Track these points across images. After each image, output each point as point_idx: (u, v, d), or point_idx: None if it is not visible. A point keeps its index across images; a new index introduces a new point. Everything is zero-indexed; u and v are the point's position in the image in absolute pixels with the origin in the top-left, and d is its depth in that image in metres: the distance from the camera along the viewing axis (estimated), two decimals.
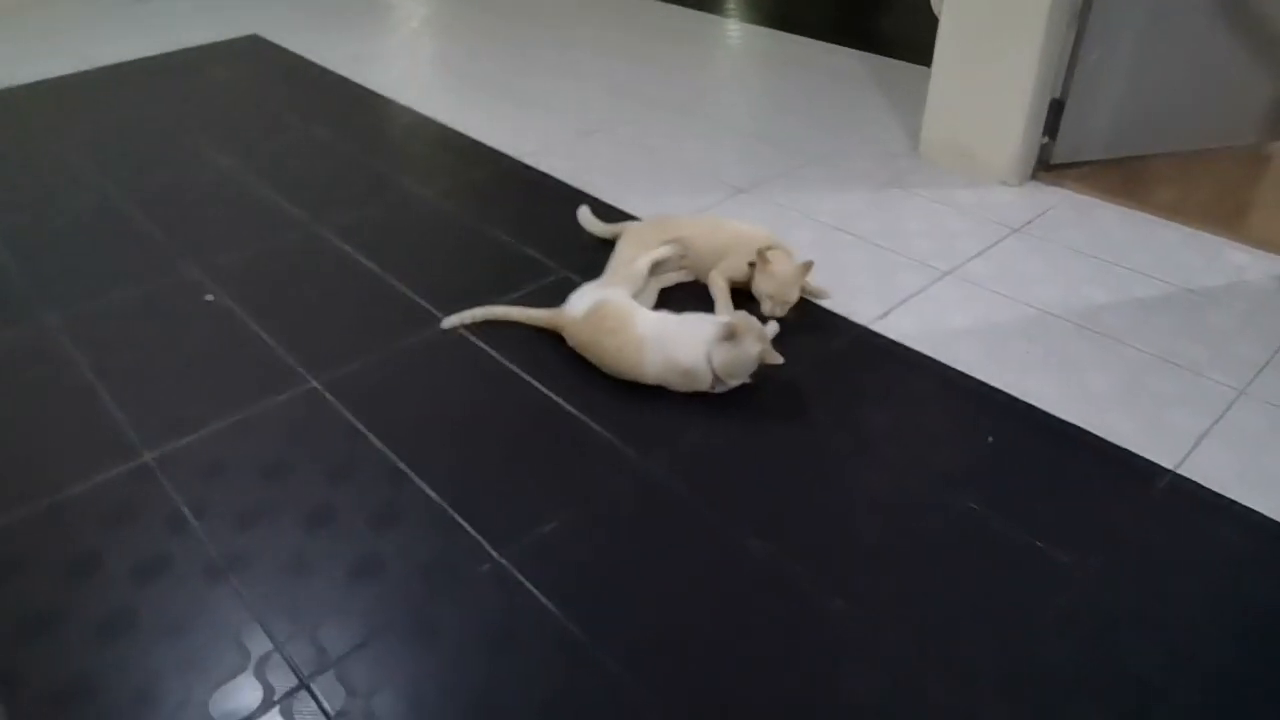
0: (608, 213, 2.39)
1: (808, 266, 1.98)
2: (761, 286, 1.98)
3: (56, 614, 1.39)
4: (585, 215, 2.33)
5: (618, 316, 1.82)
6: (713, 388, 1.77)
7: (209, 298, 2.15)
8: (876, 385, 1.87)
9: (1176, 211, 2.43)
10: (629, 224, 2.26)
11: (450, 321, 2.01)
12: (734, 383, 1.77)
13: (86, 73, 3.64)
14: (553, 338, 1.95)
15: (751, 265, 2.00)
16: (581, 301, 1.90)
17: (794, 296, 1.99)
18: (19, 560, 1.49)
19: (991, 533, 1.50)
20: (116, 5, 4.53)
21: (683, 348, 1.76)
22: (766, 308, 1.99)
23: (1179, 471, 1.61)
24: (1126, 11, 2.41)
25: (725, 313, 1.96)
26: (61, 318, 2.09)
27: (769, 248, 1.99)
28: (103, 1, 4.57)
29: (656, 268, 2.05)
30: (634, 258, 2.04)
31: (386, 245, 2.37)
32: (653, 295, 2.05)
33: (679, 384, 1.78)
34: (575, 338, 1.88)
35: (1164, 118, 2.65)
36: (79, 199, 2.64)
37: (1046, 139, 2.61)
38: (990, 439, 1.70)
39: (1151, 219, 2.42)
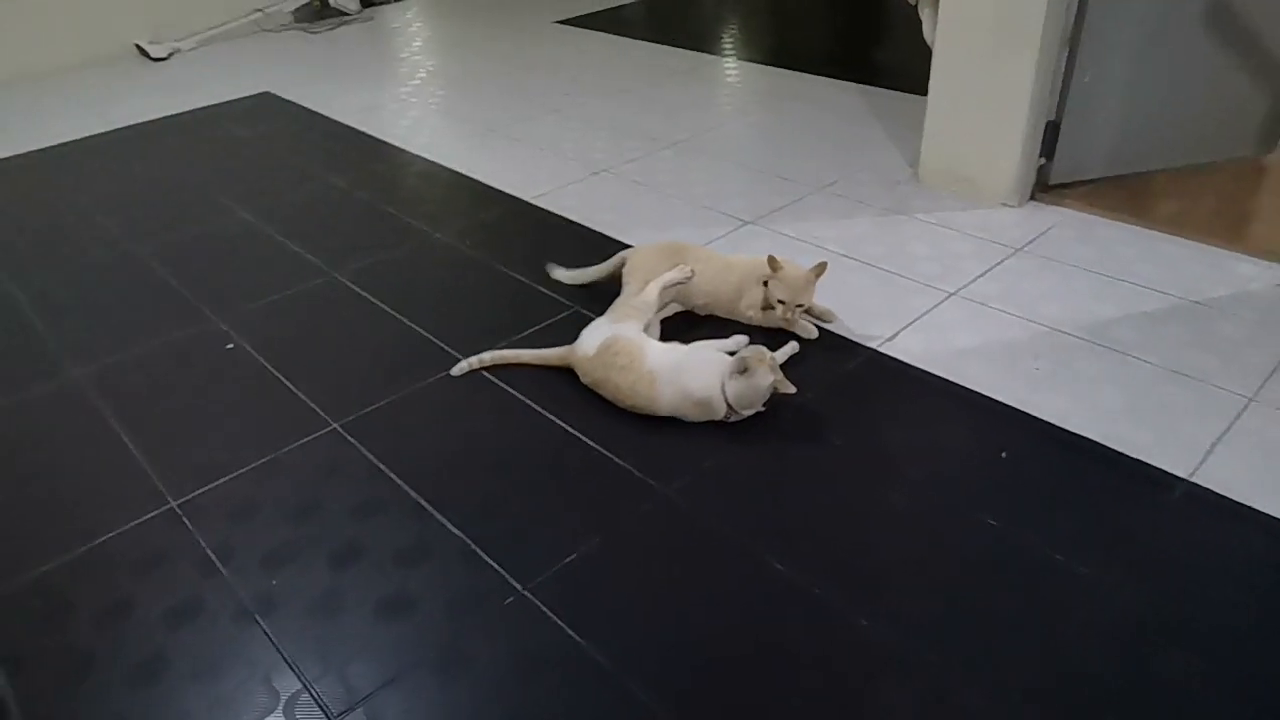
0: (616, 248, 2.43)
1: (821, 268, 2.01)
2: (774, 293, 2.01)
3: (93, 659, 1.42)
4: (559, 272, 2.32)
5: (628, 352, 1.86)
6: (727, 417, 1.80)
7: (229, 346, 2.20)
8: (889, 406, 1.89)
9: (1178, 225, 2.45)
10: (628, 252, 2.26)
11: (460, 368, 2.03)
12: (748, 413, 1.80)
13: (108, 133, 3.75)
14: (567, 373, 1.99)
15: (766, 284, 2.03)
16: (593, 338, 1.93)
17: (807, 299, 2.02)
18: (54, 608, 1.52)
19: (1011, 547, 1.51)
20: (135, 68, 4.68)
21: (695, 379, 1.80)
22: (780, 312, 2.01)
23: (1193, 480, 1.62)
24: (1118, 31, 2.46)
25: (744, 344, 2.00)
26: (88, 370, 2.14)
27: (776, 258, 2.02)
28: (122, 65, 4.72)
29: (665, 292, 2.08)
30: (642, 286, 2.08)
31: (402, 289, 2.42)
32: (655, 329, 2.07)
33: (693, 415, 1.81)
34: (588, 375, 1.92)
35: (1161, 134, 2.69)
36: (104, 255, 2.71)
37: (1044, 160, 2.66)
38: (1004, 454, 1.72)
39: (1154, 233, 2.45)
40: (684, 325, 2.14)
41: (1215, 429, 1.74)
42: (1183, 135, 2.71)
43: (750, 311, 2.09)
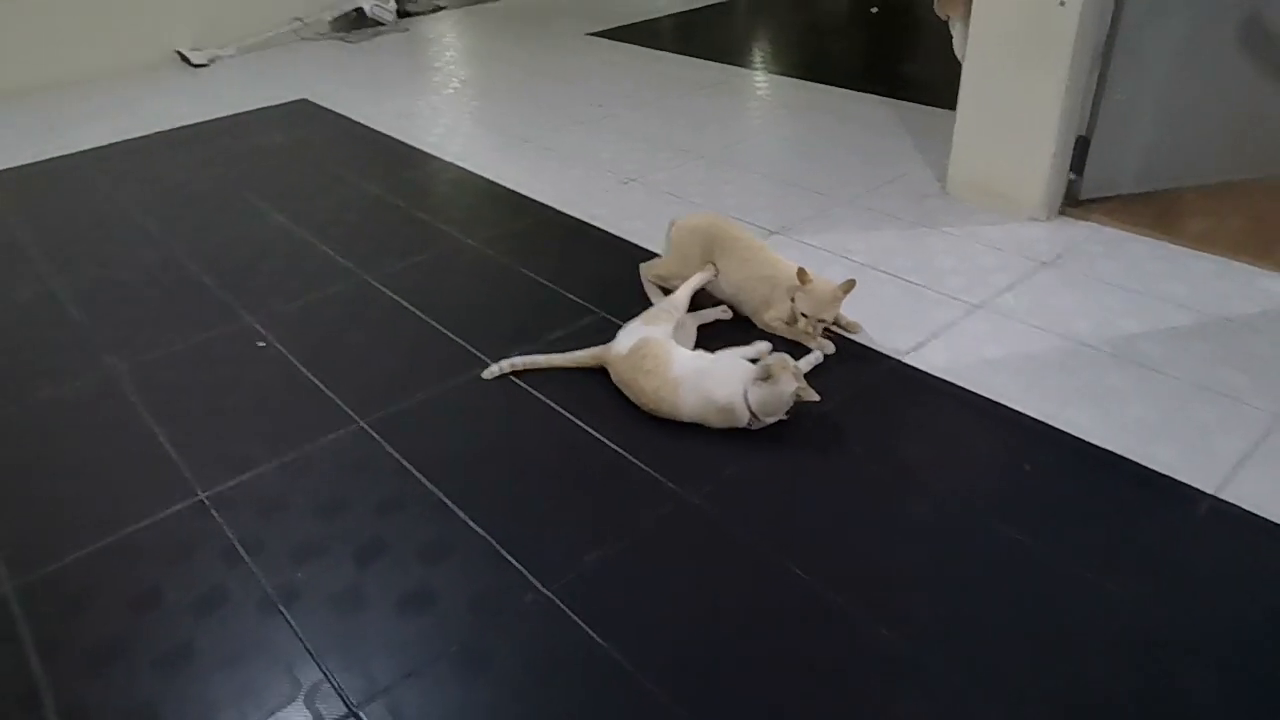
0: (645, 256, 2.46)
1: (850, 285, 2.00)
2: (800, 306, 2.01)
3: (122, 646, 1.45)
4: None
5: (655, 357, 1.87)
6: (750, 425, 1.81)
7: (261, 345, 2.25)
8: (913, 416, 1.89)
9: (1208, 242, 2.43)
10: (673, 236, 2.26)
11: (491, 371, 2.05)
12: (770, 420, 1.80)
13: (148, 136, 3.85)
14: (595, 376, 2.00)
15: (794, 299, 2.04)
16: (628, 339, 1.95)
17: (831, 315, 2.02)
18: (87, 594, 1.55)
19: (1034, 561, 1.51)
20: (175, 74, 4.79)
21: (719, 387, 1.81)
22: (802, 325, 2.02)
23: (1220, 496, 1.60)
24: (1151, 47, 2.45)
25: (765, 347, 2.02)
26: (124, 365, 2.19)
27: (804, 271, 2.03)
28: (162, 72, 4.84)
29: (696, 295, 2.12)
30: (679, 266, 2.15)
31: (432, 292, 2.45)
32: (691, 333, 2.10)
33: (716, 422, 1.82)
34: (618, 375, 1.94)
35: (1192, 151, 2.66)
36: (143, 255, 2.78)
37: (1074, 175, 2.64)
38: (1027, 467, 1.71)
39: (1183, 250, 2.42)
40: (712, 333, 2.15)
41: (1243, 446, 1.72)
42: (1214, 152, 2.68)
43: (776, 323, 2.10)
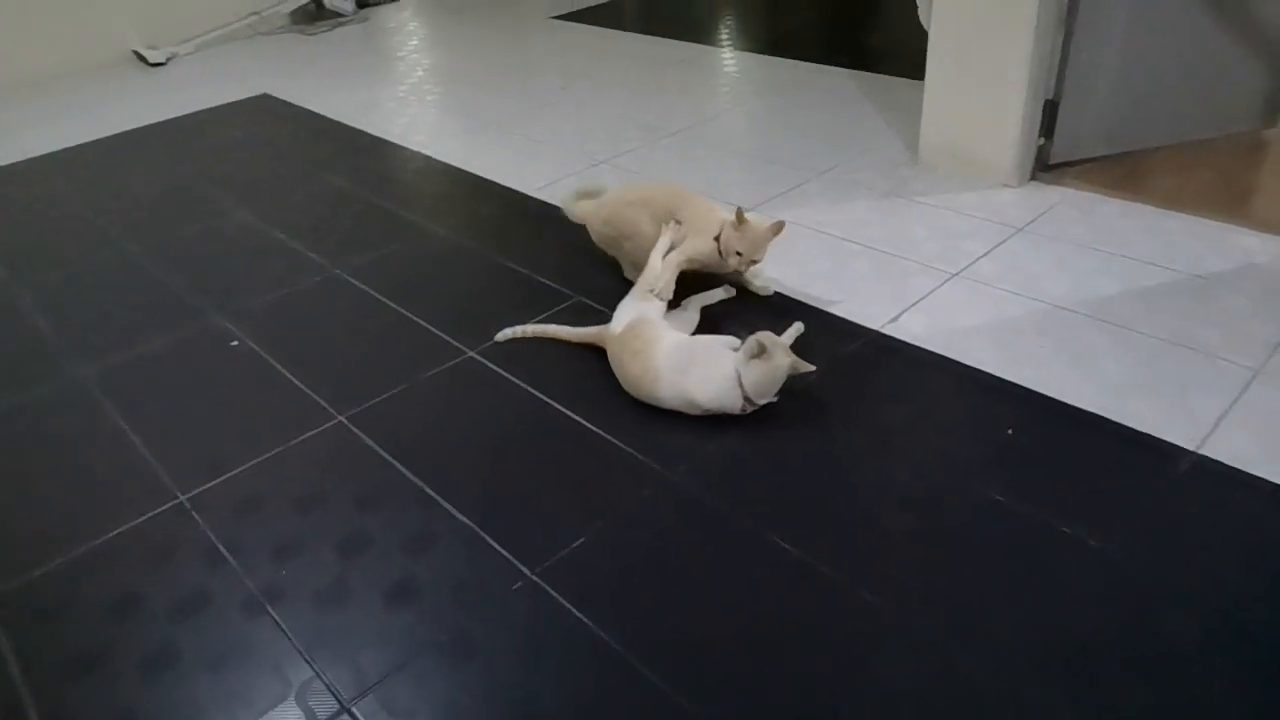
0: None
1: (779, 227, 2.02)
2: (734, 244, 2.02)
3: (101, 653, 1.42)
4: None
5: (643, 339, 1.84)
6: (743, 410, 1.76)
7: (234, 344, 2.21)
8: (893, 386, 1.89)
9: (1178, 201, 2.45)
10: (610, 204, 2.27)
11: (504, 334, 2.09)
12: (763, 402, 1.75)
13: (109, 137, 3.76)
14: (575, 359, 1.99)
15: (716, 239, 2.04)
16: (625, 316, 1.93)
17: (762, 256, 2.03)
18: (62, 604, 1.52)
19: (1018, 520, 1.51)
20: (133, 73, 4.68)
21: (700, 388, 1.76)
22: (733, 263, 2.02)
23: (1201, 452, 1.62)
24: (1114, 8, 2.46)
25: (655, 286, 1.99)
26: (92, 370, 2.15)
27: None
28: (119, 70, 4.73)
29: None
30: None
31: (404, 283, 2.42)
32: (694, 318, 2.06)
33: (696, 413, 1.79)
34: (612, 354, 1.91)
35: (1159, 110, 2.68)
36: (106, 257, 2.72)
37: (1043, 140, 2.65)
38: (1010, 431, 1.71)
39: (1154, 210, 2.44)
40: (720, 311, 2.13)
41: (1222, 402, 1.73)
42: (1182, 111, 2.70)
43: (677, 258, 2.07)
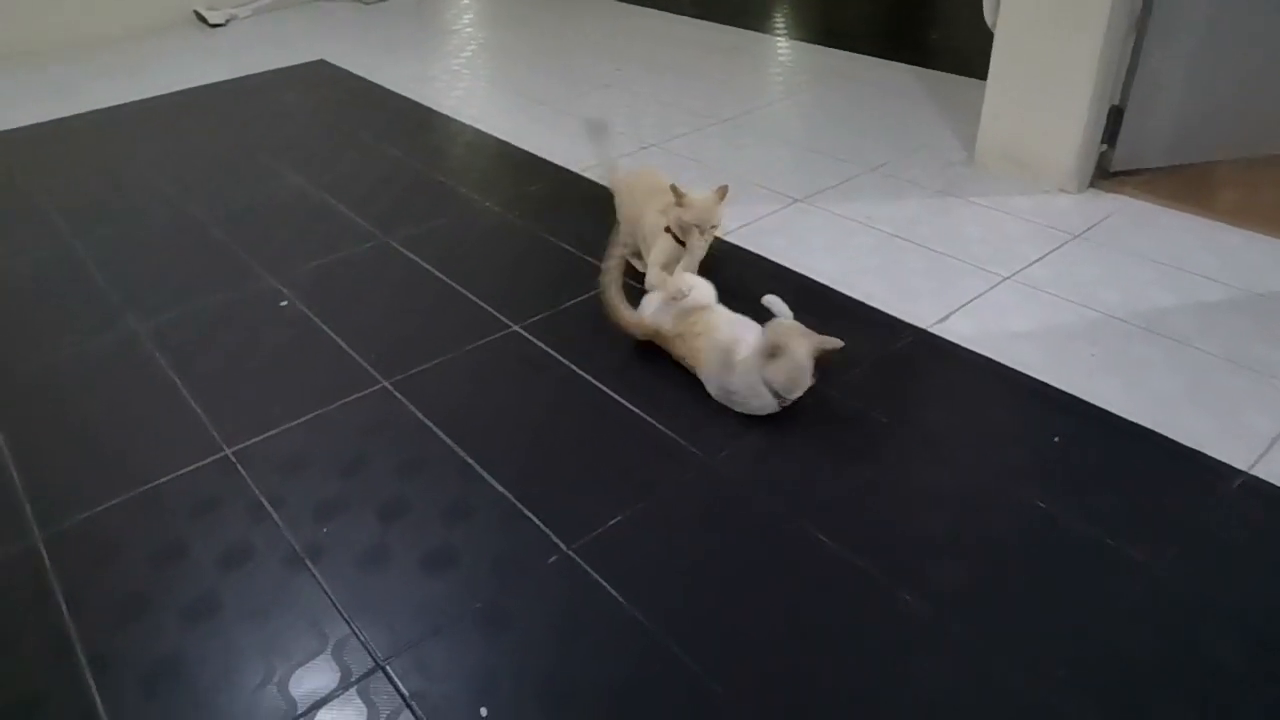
0: None
1: (723, 191, 2.02)
2: (685, 218, 2.02)
3: (148, 598, 1.46)
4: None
5: (708, 324, 1.82)
6: (781, 405, 1.73)
7: (283, 304, 2.24)
8: (939, 386, 1.87)
9: (1241, 216, 2.39)
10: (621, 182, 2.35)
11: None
12: (798, 394, 1.72)
13: (166, 96, 3.82)
14: (621, 338, 1.97)
15: (669, 230, 2.05)
16: (701, 294, 1.90)
17: (717, 219, 2.04)
18: (114, 546, 1.56)
19: (1062, 530, 1.49)
20: (193, 34, 4.75)
21: (742, 388, 1.74)
22: (696, 238, 2.03)
23: (1253, 472, 1.59)
24: (1187, 16, 2.40)
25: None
26: (147, 324, 2.19)
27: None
28: (180, 30, 4.79)
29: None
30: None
31: (452, 254, 2.44)
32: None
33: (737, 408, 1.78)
34: (672, 341, 1.88)
35: (1227, 123, 2.61)
36: (161, 214, 2.77)
37: (1105, 146, 2.60)
38: (1057, 439, 1.69)
39: (1215, 224, 2.38)
40: None
41: (1277, 423, 1.69)
42: (1250, 124, 2.63)
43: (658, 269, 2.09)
